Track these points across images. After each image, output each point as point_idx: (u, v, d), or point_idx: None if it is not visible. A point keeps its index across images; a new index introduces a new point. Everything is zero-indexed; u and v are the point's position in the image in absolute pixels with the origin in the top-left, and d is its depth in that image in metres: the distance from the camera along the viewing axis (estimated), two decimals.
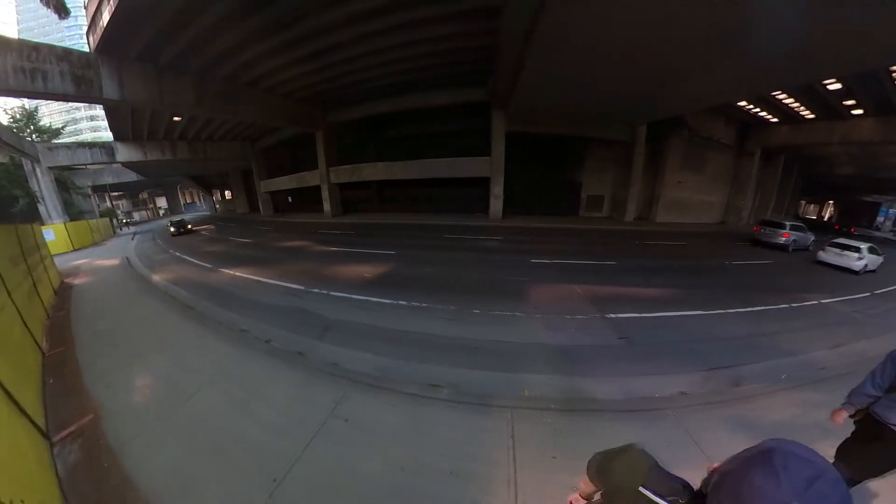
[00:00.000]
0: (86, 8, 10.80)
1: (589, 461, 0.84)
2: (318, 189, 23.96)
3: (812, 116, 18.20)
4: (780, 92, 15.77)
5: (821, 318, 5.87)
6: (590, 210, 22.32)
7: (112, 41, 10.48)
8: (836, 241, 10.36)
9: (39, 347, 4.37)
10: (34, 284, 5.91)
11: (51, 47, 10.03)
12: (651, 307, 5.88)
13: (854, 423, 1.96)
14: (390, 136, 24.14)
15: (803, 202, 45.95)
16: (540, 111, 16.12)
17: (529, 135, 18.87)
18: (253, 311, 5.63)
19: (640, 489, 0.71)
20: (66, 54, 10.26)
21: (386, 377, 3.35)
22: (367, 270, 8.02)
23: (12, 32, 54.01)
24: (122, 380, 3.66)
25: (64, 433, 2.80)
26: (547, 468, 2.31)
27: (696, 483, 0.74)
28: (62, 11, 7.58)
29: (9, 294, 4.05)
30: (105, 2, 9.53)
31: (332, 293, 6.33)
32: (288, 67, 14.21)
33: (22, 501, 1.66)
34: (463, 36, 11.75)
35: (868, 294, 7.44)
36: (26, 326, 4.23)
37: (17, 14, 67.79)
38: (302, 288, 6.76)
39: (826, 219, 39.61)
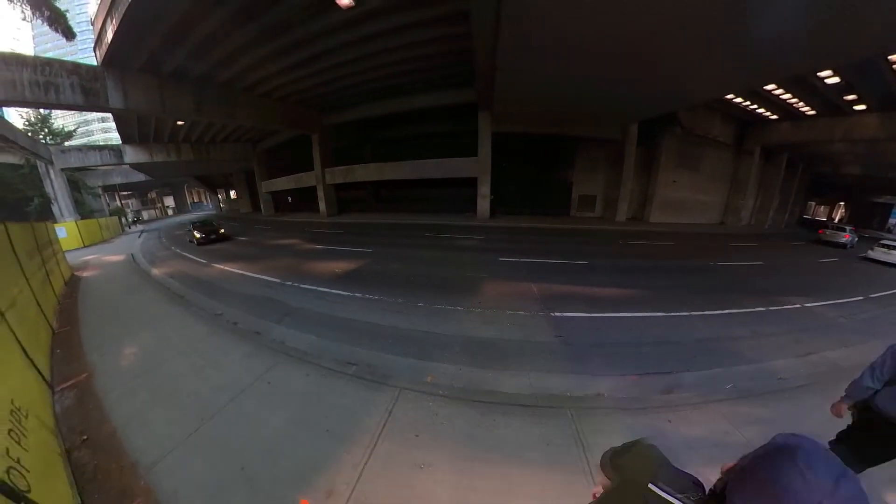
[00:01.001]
0: (93, 24, 11.79)
1: (602, 455, 0.82)
2: (315, 189, 24.85)
3: (812, 113, 17.68)
4: (776, 87, 15.42)
5: (799, 322, 5.54)
6: (582, 210, 22.42)
7: (116, 54, 11.44)
8: (883, 241, 12.40)
9: (50, 326, 5.25)
10: (47, 275, 6.82)
11: (61, 62, 11.02)
12: (606, 307, 5.83)
13: (852, 414, 2.04)
14: (385, 138, 24.68)
15: (813, 204, 44.97)
16: (525, 111, 16.32)
17: (519, 135, 19.24)
18: (230, 300, 6.46)
19: (651, 486, 0.70)
20: (75, 68, 11.25)
21: (315, 353, 4.04)
22: (340, 266, 8.79)
23: (28, 49, 55.62)
24: (114, 350, 4.50)
25: (63, 385, 3.63)
26: (405, 443, 2.62)
27: (708, 480, 0.74)
28: (68, 34, 8.47)
29: (27, 280, 4.93)
30: (109, 19, 10.48)
31: (302, 286, 7.10)
32: (281, 74, 15.04)
33: (27, 414, 2.47)
34: (442, 40, 12.33)
35: (861, 298, 7.13)
36: (40, 308, 5.10)
37: (31, 31, 70.27)
38: (278, 281, 7.59)
39: (836, 220, 38.24)
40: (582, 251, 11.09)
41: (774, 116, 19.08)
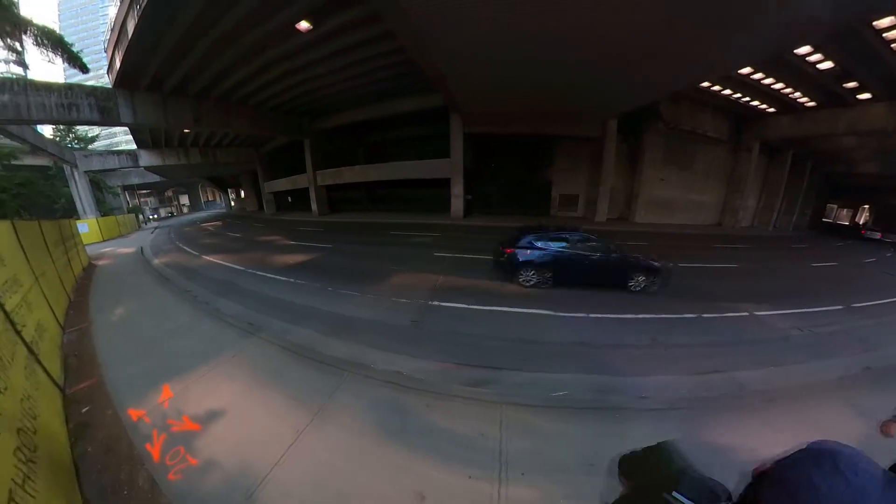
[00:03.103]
0: (106, 52, 13.93)
1: (621, 457, 0.77)
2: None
3: (813, 104, 16.24)
4: (764, 76, 14.38)
5: (733, 333, 5.09)
6: (564, 209, 22.11)
7: (125, 78, 13.53)
8: None
9: (68, 295, 7.20)
10: (69, 261, 8.83)
11: (80, 86, 13.18)
12: (494, 302, 5.95)
13: None
14: (375, 141, 25.66)
15: (835, 206, 41.68)
16: (493, 112, 16.60)
17: (498, 136, 19.65)
18: (201, 282, 8.31)
19: (671, 495, 0.65)
20: (92, 90, 13.41)
21: (233, 315, 5.64)
22: (297, 258, 10.51)
23: (59, 70, 58.64)
24: (109, 312, 6.36)
25: (71, 330, 5.50)
26: (234, 367, 3.81)
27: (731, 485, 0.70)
28: (83, 69, 10.53)
29: (53, 262, 6.86)
30: (117, 50, 12.55)
31: (257, 273, 8.87)
32: (268, 86, 16.89)
33: (44, 335, 4.29)
34: (392, 53, 13.14)
35: (841, 307, 6.49)
36: (62, 283, 7.05)
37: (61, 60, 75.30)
38: (242, 269, 9.42)
39: (861, 223, 35.15)
40: None
41: (772, 109, 17.67)
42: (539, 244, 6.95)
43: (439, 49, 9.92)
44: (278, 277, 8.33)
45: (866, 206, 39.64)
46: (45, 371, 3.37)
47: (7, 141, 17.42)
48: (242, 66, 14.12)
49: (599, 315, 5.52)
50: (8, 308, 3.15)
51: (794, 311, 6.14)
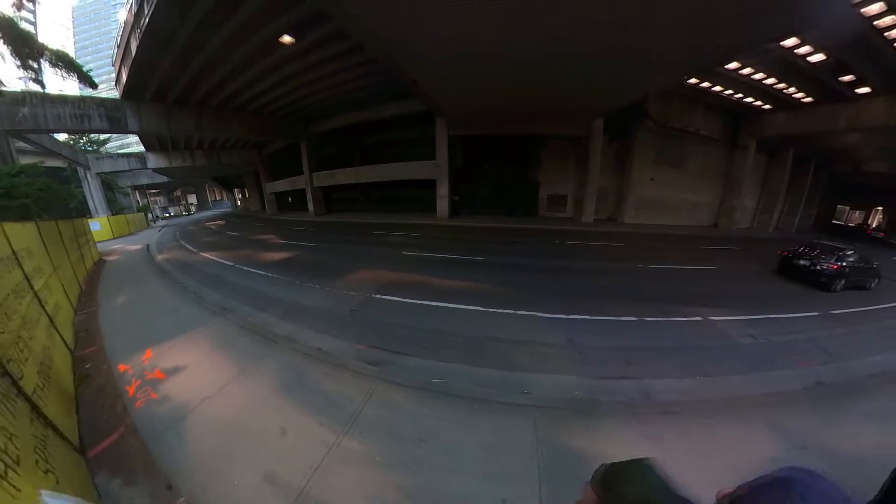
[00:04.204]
0: (114, 66, 15.23)
1: (595, 470, 0.75)
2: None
3: (809, 100, 15.74)
4: (753, 70, 13.89)
5: (671, 338, 4.98)
6: (552, 210, 22.30)
7: (131, 90, 14.84)
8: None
9: (80, 285, 8.43)
10: (81, 256, 10.10)
11: (91, 98, 14.53)
12: (432, 297, 6.50)
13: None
14: (371, 143, 26.12)
15: (847, 208, 40.51)
16: (477, 115, 17.00)
17: (487, 137, 19.98)
18: (194, 274, 9.48)
19: None
20: (102, 102, 14.75)
21: (211, 302, 6.71)
22: (281, 256, 11.64)
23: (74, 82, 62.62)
24: (114, 298, 7.54)
25: (82, 312, 6.68)
26: (197, 339, 4.92)
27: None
28: (93, 86, 11.83)
29: (68, 256, 8.08)
30: (123, 66, 13.83)
31: (243, 268, 10.01)
32: (262, 95, 18.03)
33: (58, 311, 5.43)
34: (372, 62, 13.66)
35: (817, 314, 6.24)
36: (75, 274, 8.28)
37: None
38: (231, 264, 10.59)
39: (874, 226, 34.23)
40: (495, 249, 11.86)
41: (767, 106, 17.18)
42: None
43: (404, 57, 10.78)
44: (259, 272, 9.46)
45: (880, 208, 37.84)
46: (61, 336, 4.50)
47: (25, 145, 18.97)
48: (238, 77, 15.29)
49: (528, 313, 5.67)
50: (36, 288, 4.27)
51: (757, 316, 5.77)
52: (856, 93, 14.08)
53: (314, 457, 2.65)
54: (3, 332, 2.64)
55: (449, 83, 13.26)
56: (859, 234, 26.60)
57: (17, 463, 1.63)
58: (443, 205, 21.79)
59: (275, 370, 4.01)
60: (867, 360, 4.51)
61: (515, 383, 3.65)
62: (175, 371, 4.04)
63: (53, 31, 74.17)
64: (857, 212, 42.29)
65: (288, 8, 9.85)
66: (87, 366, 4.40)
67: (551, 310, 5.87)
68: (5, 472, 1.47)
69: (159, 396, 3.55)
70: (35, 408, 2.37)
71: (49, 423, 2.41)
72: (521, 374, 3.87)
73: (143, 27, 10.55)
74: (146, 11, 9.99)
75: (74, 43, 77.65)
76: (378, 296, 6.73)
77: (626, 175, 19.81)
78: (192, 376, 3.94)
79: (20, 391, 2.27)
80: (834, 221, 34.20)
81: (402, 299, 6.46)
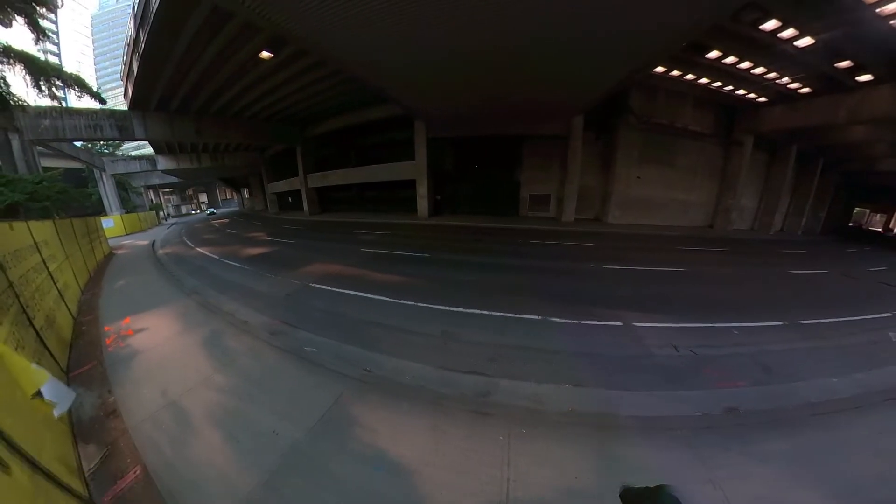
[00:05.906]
0: (122, 81, 17.08)
1: (624, 489, 0.82)
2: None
3: (807, 91, 14.63)
4: (737, 59, 12.70)
5: (572, 343, 4.55)
6: (535, 210, 22.08)
7: (137, 102, 16.65)
8: None
9: (89, 273, 10.14)
10: (92, 249, 11.88)
11: (102, 110, 16.44)
12: (361, 288, 7.14)
13: None
14: (361, 145, 26.94)
15: (867, 210, 38.81)
16: (453, 116, 17.51)
17: (468, 138, 20.64)
18: (184, 266, 11.11)
19: None
20: (112, 113, 16.63)
21: (188, 287, 8.16)
22: (260, 251, 13.14)
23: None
24: (115, 283, 9.18)
25: (87, 292, 8.32)
26: (170, 315, 7.18)
27: None
28: (102, 102, 13.65)
29: (80, 248, 9.78)
30: (129, 81, 15.62)
31: (224, 261, 11.52)
32: (256, 102, 19.61)
33: (65, 291, 7.03)
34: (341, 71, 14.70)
35: (781, 323, 5.35)
36: (85, 264, 9.99)
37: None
38: (216, 258, 12.19)
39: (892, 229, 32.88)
40: (451, 247, 12.26)
41: (762, 99, 16.12)
42: None
43: (361, 68, 11.89)
44: (235, 265, 10.96)
45: None
46: (66, 306, 6.06)
47: (48, 150, 21.13)
48: (231, 88, 16.92)
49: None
50: (50, 269, 5.84)
51: (698, 325, 5.11)
52: (856, 81, 12.81)
53: (191, 383, 3.92)
54: (25, 291, 4.14)
55: (413, 88, 14.19)
56: (877, 238, 24.31)
57: (23, 349, 3.09)
58: (423, 204, 22.69)
59: (205, 332, 5.41)
60: (812, 384, 3.61)
61: (364, 361, 4.11)
62: (141, 330, 5.55)
63: (74, 42, 78.27)
64: (879, 215, 38.94)
65: (259, 30, 11.26)
66: (84, 328, 5.96)
67: (453, 303, 5.94)
68: (15, 350, 2.91)
69: (125, 345, 5.04)
70: (39, 337, 3.86)
71: (46, 347, 3.89)
72: (377, 354, 4.30)
73: (141, 51, 12.21)
74: (142, 38, 11.62)
75: (94, 50, 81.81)
76: (314, 285, 7.64)
77: (610, 172, 19.09)
78: (150, 334, 5.43)
79: (30, 323, 3.75)
80: (850, 224, 32.07)
81: (332, 288, 7.29)
